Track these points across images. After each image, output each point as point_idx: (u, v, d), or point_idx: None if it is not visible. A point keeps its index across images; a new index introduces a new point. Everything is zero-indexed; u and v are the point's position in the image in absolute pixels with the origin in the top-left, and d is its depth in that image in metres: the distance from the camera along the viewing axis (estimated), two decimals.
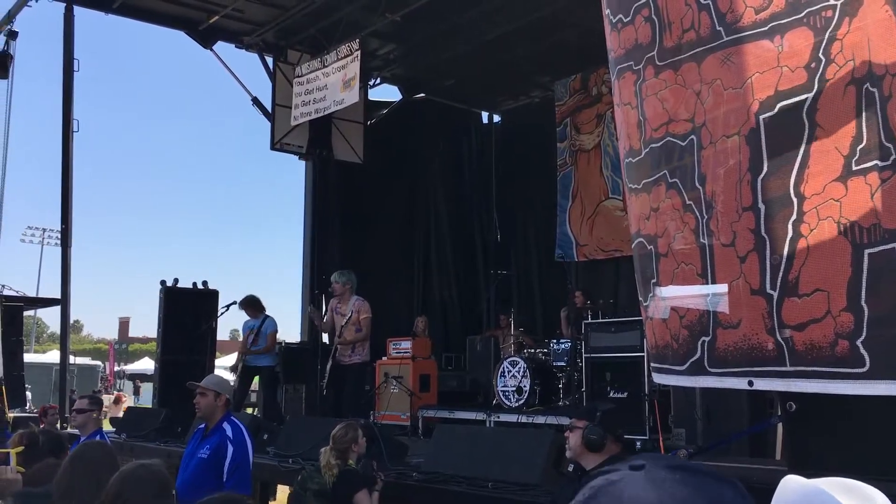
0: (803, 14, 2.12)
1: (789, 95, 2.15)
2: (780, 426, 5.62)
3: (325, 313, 9.53)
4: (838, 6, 2.03)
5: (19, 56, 10.72)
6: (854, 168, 1.99)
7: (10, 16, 10.65)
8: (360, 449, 5.14)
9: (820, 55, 2.07)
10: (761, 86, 2.23)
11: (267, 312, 9.58)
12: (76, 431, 6.34)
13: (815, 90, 2.08)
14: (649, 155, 2.77)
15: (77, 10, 10.58)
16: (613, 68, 3.04)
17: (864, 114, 1.96)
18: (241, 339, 10.67)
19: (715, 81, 2.42)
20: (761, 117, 2.23)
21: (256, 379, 9.73)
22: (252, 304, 9.48)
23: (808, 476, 0.91)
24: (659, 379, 2.98)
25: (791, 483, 0.90)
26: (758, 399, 5.94)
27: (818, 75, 2.08)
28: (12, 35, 10.69)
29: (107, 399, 18.90)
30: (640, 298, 3.04)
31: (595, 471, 3.37)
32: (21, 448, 4.07)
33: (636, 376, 7.04)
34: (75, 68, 10.54)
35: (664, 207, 2.69)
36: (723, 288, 2.46)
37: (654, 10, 2.74)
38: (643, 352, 6.81)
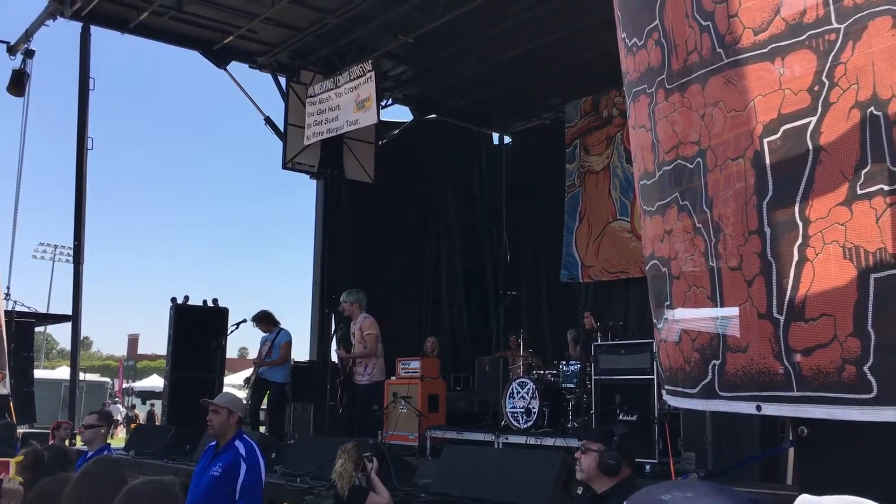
0: (804, 37, 2.13)
1: (793, 119, 2.15)
2: (791, 451, 5.57)
3: (336, 332, 9.52)
4: (842, 29, 2.04)
5: (35, 74, 10.89)
6: (859, 192, 1.98)
7: (28, 35, 10.81)
8: (368, 471, 5.16)
9: (823, 78, 2.07)
10: (764, 109, 2.23)
11: (260, 332, 9.45)
12: (84, 447, 6.34)
13: (818, 113, 2.08)
14: (662, 177, 2.77)
15: (93, 29, 10.73)
16: (629, 92, 3.05)
17: (868, 138, 1.97)
18: (250, 355, 10.64)
19: (718, 103, 2.42)
20: (765, 140, 2.23)
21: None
22: (264, 319, 9.38)
23: None
24: (672, 402, 2.97)
25: (804, 501, 0.92)
26: (769, 423, 5.89)
27: (822, 98, 2.08)
28: (29, 54, 10.86)
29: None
30: (654, 321, 3.03)
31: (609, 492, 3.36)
32: (21, 458, 4.08)
33: (646, 399, 6.99)
34: (91, 87, 10.68)
35: (676, 230, 2.69)
36: (731, 311, 2.44)
37: (663, 33, 2.76)
38: (653, 374, 6.78)
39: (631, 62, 2.99)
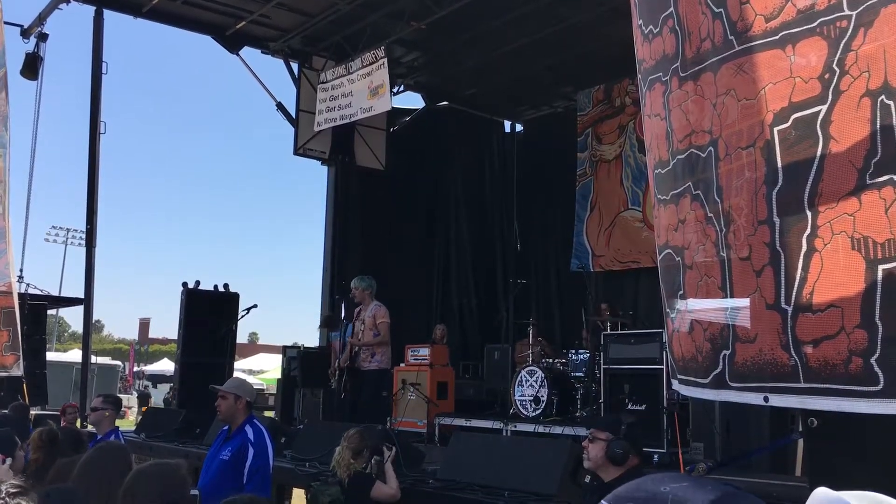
0: (816, 24, 2.10)
1: (803, 107, 2.12)
2: (800, 441, 5.55)
3: (343, 320, 9.49)
4: (853, 16, 2.01)
5: (49, 58, 10.90)
6: (868, 182, 1.96)
7: (41, 18, 10.83)
8: (385, 458, 5.18)
9: (834, 66, 2.04)
10: (775, 97, 2.21)
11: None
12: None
13: (828, 102, 2.05)
14: (676, 166, 2.76)
15: (106, 13, 10.74)
16: (644, 79, 3.03)
17: (879, 127, 1.94)
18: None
19: (730, 92, 2.40)
20: (775, 129, 2.21)
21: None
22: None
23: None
24: (684, 391, 2.96)
25: (819, 494, 0.91)
26: (778, 414, 5.87)
27: (832, 87, 2.05)
28: (42, 37, 10.87)
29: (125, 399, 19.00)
30: (667, 310, 3.02)
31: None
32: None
33: (655, 389, 6.98)
34: (104, 71, 10.69)
35: (689, 220, 2.68)
36: (742, 302, 2.43)
37: (677, 20, 2.73)
38: (662, 364, 6.76)
39: (647, 50, 2.96)
